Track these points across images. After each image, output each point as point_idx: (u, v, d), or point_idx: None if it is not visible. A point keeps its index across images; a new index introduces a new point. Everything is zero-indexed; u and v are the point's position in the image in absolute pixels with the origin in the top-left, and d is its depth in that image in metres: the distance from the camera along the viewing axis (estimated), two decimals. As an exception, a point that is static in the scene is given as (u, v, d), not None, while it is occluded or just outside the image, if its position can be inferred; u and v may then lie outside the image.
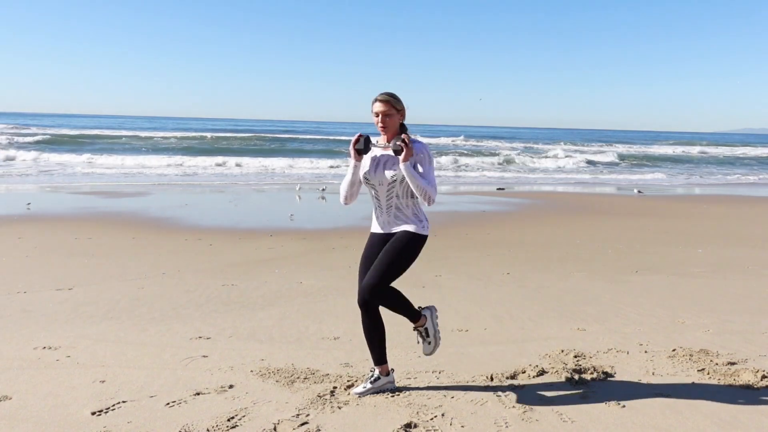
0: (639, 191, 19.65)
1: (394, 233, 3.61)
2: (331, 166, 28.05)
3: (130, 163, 26.78)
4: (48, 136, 40.63)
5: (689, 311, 5.73)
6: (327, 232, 10.54)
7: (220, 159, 28.53)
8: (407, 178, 3.46)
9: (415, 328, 3.78)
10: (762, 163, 41.52)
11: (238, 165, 27.33)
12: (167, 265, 7.49)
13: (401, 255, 3.51)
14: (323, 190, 17.69)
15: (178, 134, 50.21)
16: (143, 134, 48.82)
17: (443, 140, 56.34)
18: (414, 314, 3.67)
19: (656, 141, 74.54)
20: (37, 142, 36.18)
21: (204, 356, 4.34)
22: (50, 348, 4.46)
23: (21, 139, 37.47)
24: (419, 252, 3.59)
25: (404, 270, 3.56)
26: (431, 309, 3.81)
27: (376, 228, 3.73)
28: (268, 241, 9.30)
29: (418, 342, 3.86)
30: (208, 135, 49.42)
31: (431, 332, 3.77)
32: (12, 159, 27.10)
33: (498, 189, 19.64)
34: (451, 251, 8.73)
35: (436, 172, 3.69)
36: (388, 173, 3.54)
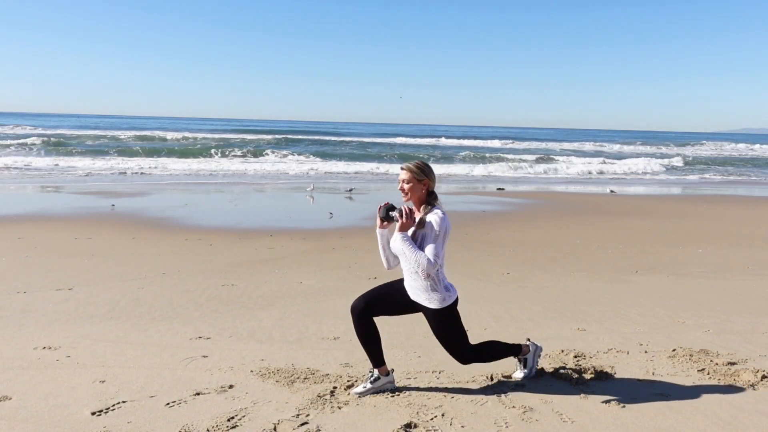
0: (612, 191, 19.69)
1: (418, 304, 3.66)
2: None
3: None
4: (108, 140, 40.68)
5: (689, 311, 5.73)
6: (327, 232, 10.54)
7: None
8: (398, 247, 3.56)
9: (516, 356, 4.01)
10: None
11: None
12: (167, 265, 7.49)
13: (446, 330, 3.67)
14: (311, 189, 17.69)
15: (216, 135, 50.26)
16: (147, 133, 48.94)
17: (494, 142, 56.13)
18: (515, 349, 3.94)
19: (663, 141, 74.18)
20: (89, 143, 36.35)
21: (204, 356, 4.34)
22: (50, 348, 4.46)
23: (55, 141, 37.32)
24: (455, 314, 3.66)
25: (460, 333, 3.69)
26: (537, 347, 4.07)
27: (406, 285, 3.77)
28: (268, 241, 9.30)
29: (516, 369, 4.05)
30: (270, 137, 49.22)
31: (529, 365, 4.01)
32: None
33: (498, 189, 19.65)
34: (451, 251, 8.73)
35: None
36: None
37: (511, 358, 4.01)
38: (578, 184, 23.10)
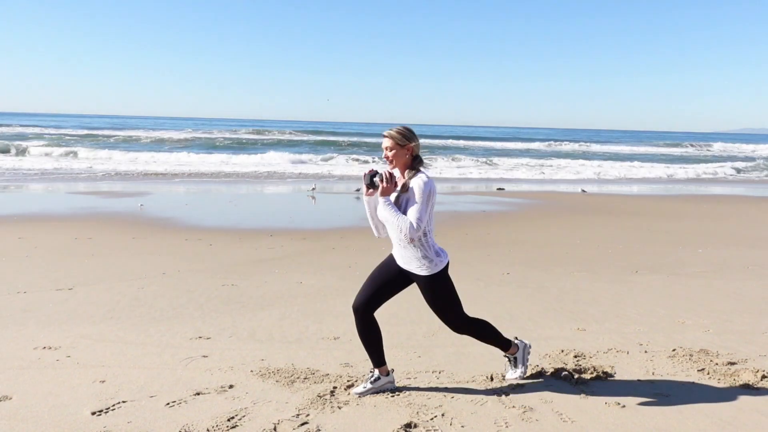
0: (583, 190, 19.69)
1: (411, 272, 3.63)
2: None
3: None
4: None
5: (689, 311, 5.73)
6: (327, 232, 10.54)
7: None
8: (378, 211, 3.54)
9: (505, 355, 3.99)
10: None
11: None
12: (167, 265, 7.49)
13: (439, 297, 3.63)
14: (313, 189, 17.67)
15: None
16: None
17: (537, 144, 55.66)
18: (504, 343, 3.90)
19: (676, 142, 73.83)
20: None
21: (204, 356, 4.34)
22: (50, 348, 4.46)
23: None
24: (447, 280, 3.63)
25: (453, 299, 3.66)
26: (526, 344, 4.01)
27: (394, 252, 3.74)
28: (268, 241, 9.30)
29: (505, 368, 4.02)
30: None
31: (520, 364, 3.98)
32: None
33: (498, 189, 19.65)
34: (451, 251, 8.71)
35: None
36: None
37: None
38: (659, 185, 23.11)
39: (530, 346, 4.07)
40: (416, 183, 3.48)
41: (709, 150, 58.33)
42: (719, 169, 32.96)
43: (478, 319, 3.81)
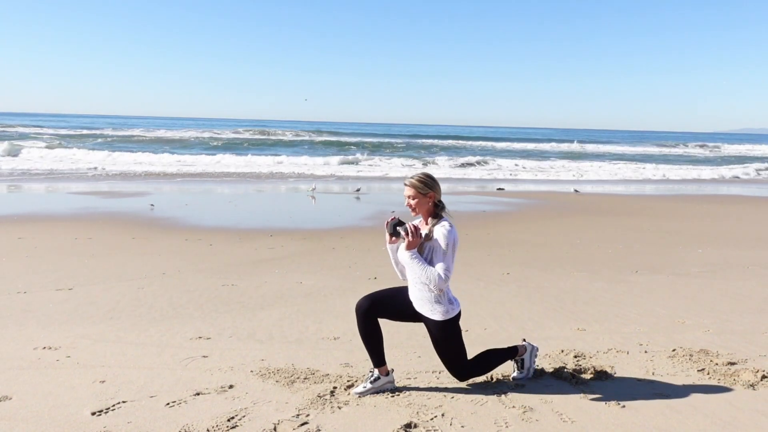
0: (576, 190, 19.70)
1: (422, 315, 3.67)
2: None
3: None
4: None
5: (689, 311, 5.73)
6: (327, 232, 10.53)
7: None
8: (407, 264, 3.56)
9: (513, 358, 3.99)
10: None
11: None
12: (167, 265, 7.49)
13: (447, 343, 3.68)
14: (313, 189, 17.68)
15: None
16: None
17: (563, 146, 55.32)
18: (511, 353, 3.93)
19: (680, 142, 73.76)
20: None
21: (204, 356, 4.34)
22: (50, 348, 4.46)
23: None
24: (457, 327, 3.69)
25: (460, 347, 3.71)
26: (534, 347, 4.02)
27: (410, 295, 3.76)
28: (268, 241, 9.30)
29: (513, 368, 4.03)
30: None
31: (526, 366, 3.98)
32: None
33: (498, 189, 19.65)
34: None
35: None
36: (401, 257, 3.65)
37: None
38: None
39: (537, 349, 4.07)
40: (440, 232, 3.50)
41: (723, 151, 58.01)
42: (741, 171, 32.74)
43: (479, 355, 3.85)
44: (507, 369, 4.09)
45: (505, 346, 4.67)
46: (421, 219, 3.70)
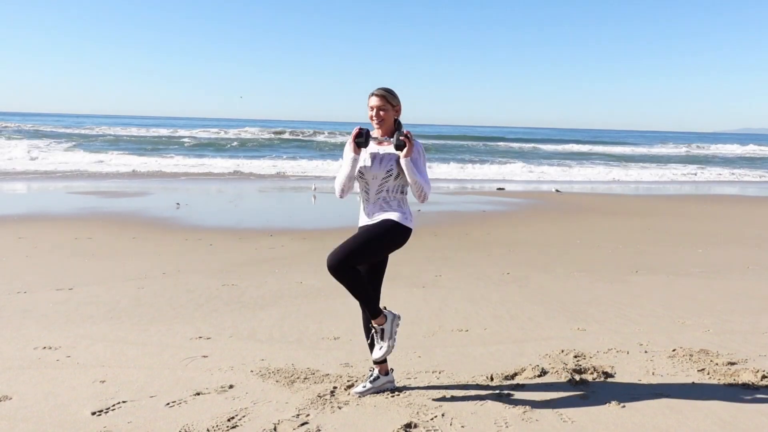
0: (557, 190, 19.69)
1: (378, 222, 3.53)
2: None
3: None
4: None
5: (689, 311, 5.73)
6: (327, 232, 10.53)
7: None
8: (407, 174, 3.45)
9: (372, 326, 3.61)
10: None
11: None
12: (167, 265, 7.49)
13: (377, 238, 3.44)
14: (314, 189, 17.67)
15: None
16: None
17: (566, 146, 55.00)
18: (374, 310, 3.54)
19: (681, 142, 73.56)
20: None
21: (204, 356, 4.34)
22: (50, 348, 4.46)
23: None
24: (398, 243, 3.50)
25: (376, 256, 3.51)
26: (395, 315, 3.64)
27: (363, 221, 3.65)
28: (268, 241, 9.30)
29: (372, 343, 3.65)
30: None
31: (386, 335, 3.57)
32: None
33: (498, 189, 19.65)
34: (452, 251, 8.73)
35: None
36: (385, 168, 3.52)
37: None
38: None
39: (399, 318, 3.64)
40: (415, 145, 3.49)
41: (736, 152, 57.76)
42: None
43: (361, 275, 3.50)
44: (508, 369, 4.10)
45: (500, 344, 4.68)
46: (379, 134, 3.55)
